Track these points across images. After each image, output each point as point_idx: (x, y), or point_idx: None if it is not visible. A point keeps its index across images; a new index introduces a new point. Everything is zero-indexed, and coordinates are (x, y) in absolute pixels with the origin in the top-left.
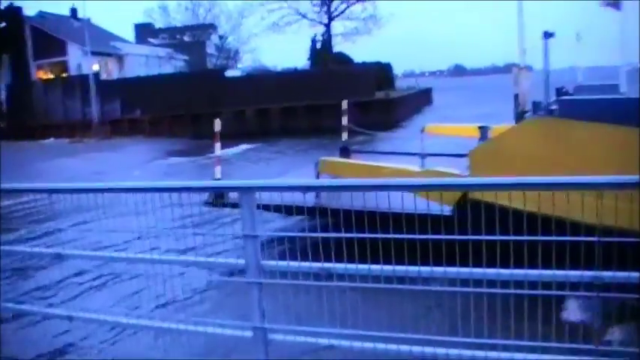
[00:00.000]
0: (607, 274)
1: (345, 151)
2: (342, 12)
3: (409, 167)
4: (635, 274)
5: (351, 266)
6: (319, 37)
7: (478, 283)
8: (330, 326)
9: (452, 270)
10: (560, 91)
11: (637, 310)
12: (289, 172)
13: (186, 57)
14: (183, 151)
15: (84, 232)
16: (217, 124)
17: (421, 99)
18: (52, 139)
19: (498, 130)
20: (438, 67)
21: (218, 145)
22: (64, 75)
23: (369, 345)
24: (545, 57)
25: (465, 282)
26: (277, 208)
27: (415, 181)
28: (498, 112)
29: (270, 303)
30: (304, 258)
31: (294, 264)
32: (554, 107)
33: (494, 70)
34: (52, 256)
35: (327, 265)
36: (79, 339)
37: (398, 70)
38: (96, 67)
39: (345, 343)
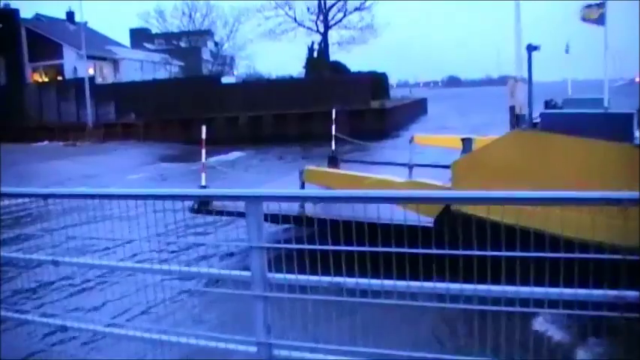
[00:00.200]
0: (598, 292)
1: (333, 161)
2: (340, 21)
3: (392, 178)
4: (632, 293)
5: (363, 281)
6: (316, 46)
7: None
8: (339, 343)
9: (464, 287)
10: (548, 104)
11: (614, 326)
12: (275, 180)
13: (181, 63)
14: (176, 157)
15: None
16: (204, 131)
17: (416, 109)
18: (45, 142)
19: (482, 142)
20: (432, 77)
21: (204, 151)
22: (59, 78)
23: None
24: (529, 70)
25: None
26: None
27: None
28: (492, 122)
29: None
30: (312, 271)
31: (302, 277)
32: (536, 120)
33: (489, 81)
34: (47, 263)
35: (337, 279)
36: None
37: (392, 80)
38: (91, 71)
39: None
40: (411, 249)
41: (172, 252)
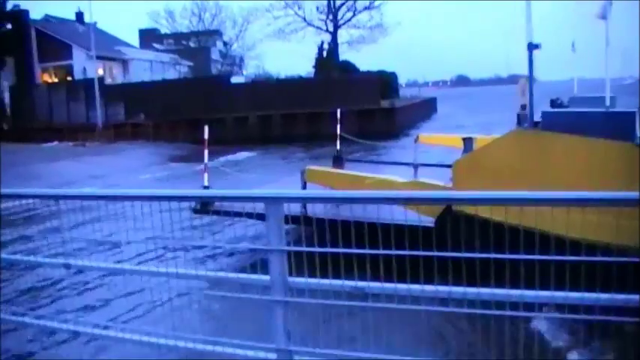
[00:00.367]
0: (604, 296)
1: (338, 160)
2: (349, 20)
3: (393, 178)
4: (634, 297)
5: (389, 286)
6: (326, 45)
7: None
8: (363, 349)
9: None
10: (554, 102)
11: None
12: (277, 180)
13: (190, 63)
14: (185, 157)
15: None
16: (206, 131)
17: (426, 108)
18: (55, 143)
19: (483, 141)
20: (441, 77)
21: (206, 152)
22: (69, 78)
23: None
24: (529, 69)
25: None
26: (260, 216)
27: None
28: (502, 121)
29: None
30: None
31: (324, 282)
32: (538, 120)
33: (498, 80)
34: (59, 266)
35: (361, 283)
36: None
37: (401, 79)
38: (100, 72)
39: None
40: (426, 252)
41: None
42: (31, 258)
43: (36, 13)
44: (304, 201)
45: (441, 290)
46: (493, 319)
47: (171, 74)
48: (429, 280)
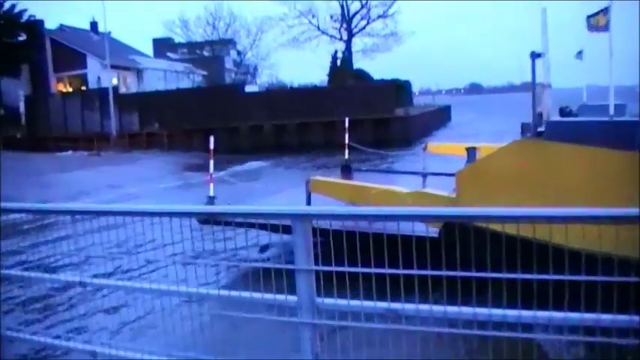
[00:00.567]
0: (607, 317)
1: (346, 169)
2: (363, 28)
3: (397, 188)
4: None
5: (424, 307)
6: (340, 54)
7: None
8: None
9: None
10: (563, 111)
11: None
12: (283, 190)
13: (204, 72)
14: (200, 166)
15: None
16: (211, 142)
17: (440, 116)
18: (70, 152)
19: (487, 150)
20: (454, 85)
21: (212, 162)
22: (83, 88)
23: None
24: (532, 77)
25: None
26: (263, 226)
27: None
28: (516, 129)
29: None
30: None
31: (355, 303)
32: (542, 129)
33: (511, 88)
34: (75, 284)
35: (394, 305)
36: None
37: (414, 87)
38: (115, 81)
39: None
40: (465, 272)
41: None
42: (46, 275)
43: (51, 23)
44: (332, 218)
45: (479, 313)
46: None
47: (185, 83)
48: (463, 302)
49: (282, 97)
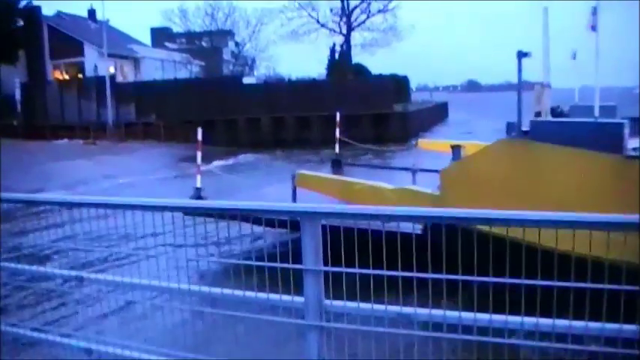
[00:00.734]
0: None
1: (337, 164)
2: (363, 22)
3: (382, 184)
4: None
5: (438, 312)
6: (338, 47)
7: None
8: None
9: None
10: (554, 111)
11: None
12: (269, 185)
13: (202, 62)
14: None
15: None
16: (199, 134)
17: (438, 113)
18: (65, 140)
19: (472, 148)
20: (451, 82)
21: (199, 154)
22: (80, 76)
23: None
24: (518, 77)
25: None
26: (257, 220)
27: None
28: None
29: None
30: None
31: (365, 306)
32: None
33: (508, 87)
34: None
35: (406, 309)
36: None
37: (412, 83)
38: (112, 70)
39: None
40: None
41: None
42: (41, 268)
43: (48, 10)
44: (343, 217)
45: (495, 319)
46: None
47: (183, 73)
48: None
49: (280, 90)
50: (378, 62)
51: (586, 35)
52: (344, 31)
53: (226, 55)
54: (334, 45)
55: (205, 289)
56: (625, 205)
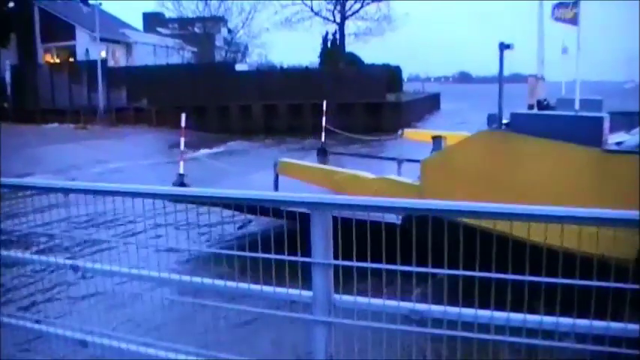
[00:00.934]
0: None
1: (322, 152)
2: (357, 11)
3: (362, 174)
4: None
5: (453, 310)
6: (330, 36)
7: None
8: None
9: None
10: (540, 104)
11: None
12: (253, 173)
13: (194, 48)
14: (188, 143)
15: None
16: (183, 119)
17: (430, 103)
18: (56, 124)
19: (454, 139)
20: (443, 72)
21: (182, 140)
22: (71, 60)
23: None
24: (500, 68)
25: None
26: (239, 207)
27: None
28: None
29: None
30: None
31: (376, 302)
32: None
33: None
34: (66, 268)
35: (420, 306)
36: None
37: (403, 73)
38: (103, 54)
39: None
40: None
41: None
42: (35, 256)
43: None
44: (353, 208)
45: (513, 318)
46: None
47: (175, 59)
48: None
49: (273, 77)
50: (370, 52)
51: (577, 29)
52: (338, 19)
53: (219, 42)
54: (327, 33)
55: (208, 280)
56: (602, 198)
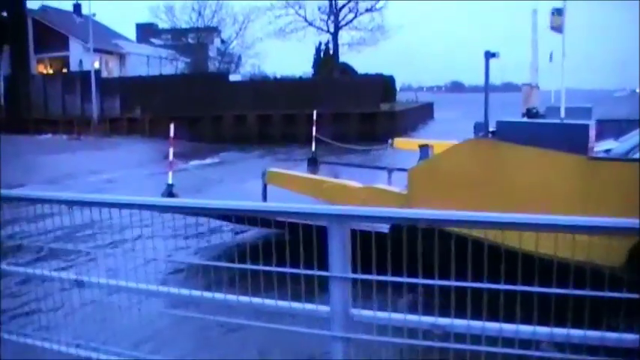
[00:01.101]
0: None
1: (313, 162)
2: (350, 21)
3: (350, 183)
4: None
5: (476, 324)
6: (323, 46)
7: None
8: None
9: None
10: (530, 112)
11: None
12: (245, 182)
13: (187, 59)
14: (182, 154)
15: None
16: (172, 129)
17: (424, 113)
18: (49, 135)
19: (441, 147)
20: (435, 82)
21: (171, 150)
22: (65, 70)
23: None
24: (485, 77)
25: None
26: (226, 217)
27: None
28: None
29: None
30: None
31: (397, 316)
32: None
33: (492, 88)
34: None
35: (442, 320)
36: None
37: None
38: (97, 65)
39: None
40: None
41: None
42: (37, 271)
43: (33, 3)
44: (373, 220)
45: (539, 332)
46: None
47: (168, 69)
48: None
49: (267, 87)
50: (362, 62)
51: (568, 38)
52: (331, 29)
53: (212, 53)
54: (320, 44)
55: (220, 295)
56: (588, 206)
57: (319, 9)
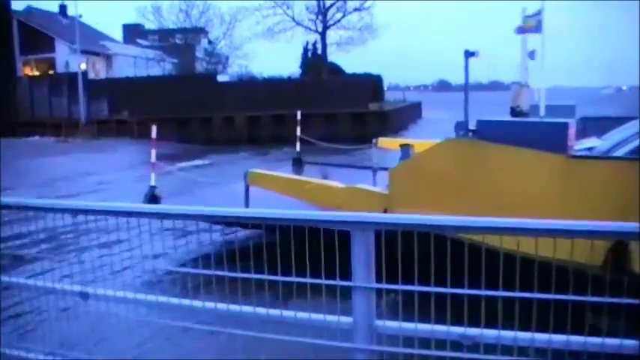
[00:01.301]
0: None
1: (297, 162)
2: (338, 21)
3: (332, 183)
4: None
5: (507, 334)
6: (311, 46)
7: None
8: None
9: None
10: (514, 110)
11: None
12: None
13: (175, 60)
14: (171, 155)
15: None
16: (154, 131)
17: (412, 112)
18: (37, 137)
19: (422, 147)
20: (422, 81)
21: (154, 151)
22: (51, 72)
23: None
24: (465, 76)
25: None
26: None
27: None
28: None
29: None
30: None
31: (424, 327)
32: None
33: (479, 87)
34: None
35: (471, 330)
36: None
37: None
38: (84, 66)
39: None
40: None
41: None
42: (39, 283)
43: (18, 4)
44: (397, 227)
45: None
46: None
47: (156, 71)
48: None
49: (256, 88)
50: (350, 61)
51: (560, 38)
52: (320, 29)
53: (199, 53)
54: (307, 43)
55: (235, 307)
56: (568, 203)
57: (307, 9)
